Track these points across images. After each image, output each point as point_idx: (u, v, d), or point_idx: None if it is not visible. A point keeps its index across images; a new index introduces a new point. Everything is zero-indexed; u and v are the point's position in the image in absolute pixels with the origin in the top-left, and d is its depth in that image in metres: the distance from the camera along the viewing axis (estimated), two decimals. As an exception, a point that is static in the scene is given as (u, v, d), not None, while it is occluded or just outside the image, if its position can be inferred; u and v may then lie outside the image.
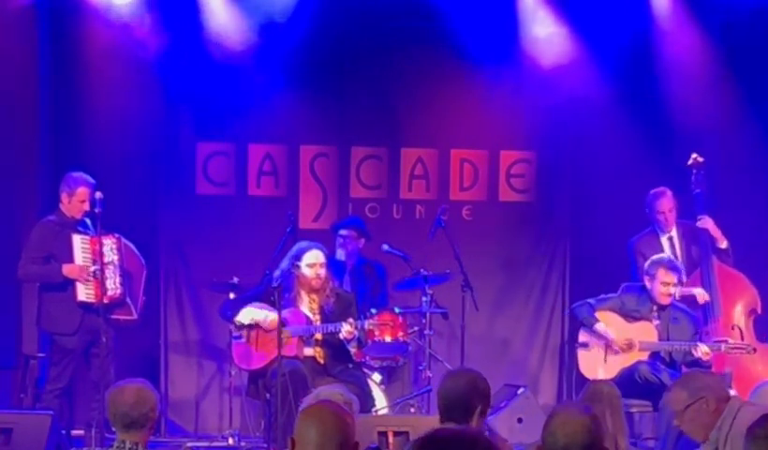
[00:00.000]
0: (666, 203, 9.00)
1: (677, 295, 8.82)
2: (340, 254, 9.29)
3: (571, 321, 9.44)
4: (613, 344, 8.30)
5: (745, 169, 9.90)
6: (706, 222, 8.96)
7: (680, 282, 8.45)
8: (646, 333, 8.31)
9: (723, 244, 9.00)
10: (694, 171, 9.01)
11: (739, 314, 8.93)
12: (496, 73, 9.96)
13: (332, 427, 3.54)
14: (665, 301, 8.31)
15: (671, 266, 8.31)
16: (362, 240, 9.37)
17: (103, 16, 9.44)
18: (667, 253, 8.95)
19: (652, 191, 9.08)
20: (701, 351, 8.13)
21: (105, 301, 8.18)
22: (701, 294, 8.88)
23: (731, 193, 9.62)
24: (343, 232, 9.36)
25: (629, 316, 8.38)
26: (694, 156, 9.02)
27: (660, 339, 8.29)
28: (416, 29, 9.91)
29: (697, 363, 8.18)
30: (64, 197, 8.42)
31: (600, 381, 6.44)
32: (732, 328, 8.68)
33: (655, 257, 8.46)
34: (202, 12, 9.70)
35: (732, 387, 8.39)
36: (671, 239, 9.08)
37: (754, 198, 9.87)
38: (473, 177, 10.35)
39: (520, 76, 9.98)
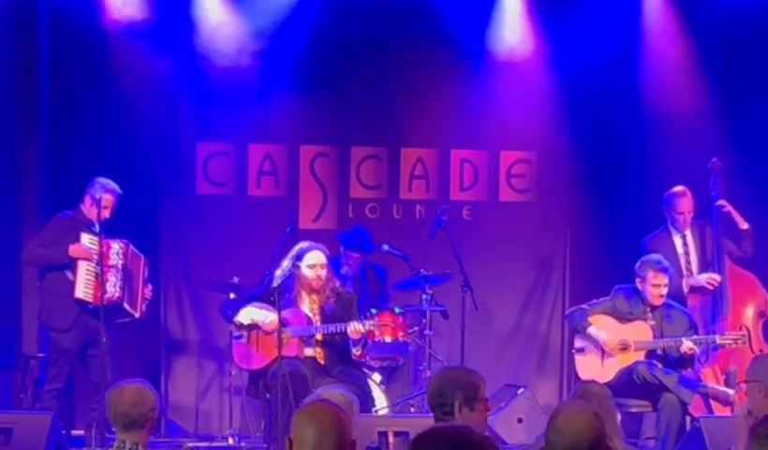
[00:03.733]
0: (687, 205, 8.98)
1: (685, 288, 8.82)
2: (345, 270, 9.22)
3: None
4: (605, 346, 8.29)
5: (754, 170, 9.84)
6: (726, 205, 8.96)
7: (672, 279, 8.43)
8: (641, 333, 8.30)
9: (744, 225, 8.98)
10: (713, 174, 9.01)
11: (749, 315, 8.92)
12: (496, 73, 9.96)
13: (329, 426, 3.53)
14: (657, 302, 8.31)
15: (660, 268, 8.28)
16: (366, 256, 9.33)
17: (103, 17, 9.43)
18: (680, 252, 8.96)
19: (672, 190, 9.03)
20: (686, 346, 8.12)
21: (103, 302, 8.19)
22: (708, 279, 8.87)
23: (744, 197, 9.55)
24: (352, 253, 9.23)
25: (623, 318, 8.37)
26: (714, 160, 9.02)
27: (655, 338, 8.28)
28: (416, 29, 9.91)
29: (684, 359, 8.18)
30: (87, 199, 8.47)
31: (590, 381, 6.38)
32: (740, 328, 8.68)
33: (644, 258, 8.45)
34: (203, 13, 9.69)
35: (736, 386, 8.41)
36: (684, 237, 9.07)
37: (761, 200, 9.80)
38: (473, 177, 10.34)
39: (520, 76, 9.97)
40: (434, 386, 4.81)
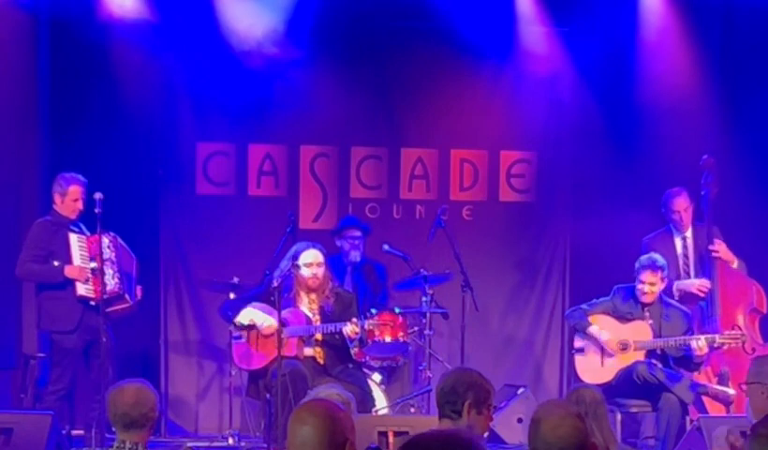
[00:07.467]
0: (682, 203, 8.99)
1: (675, 292, 8.82)
2: (355, 255, 9.28)
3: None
4: (606, 346, 8.29)
5: (750, 168, 9.84)
6: (719, 247, 8.96)
7: (665, 279, 8.43)
8: (641, 332, 8.30)
9: (734, 264, 9.00)
10: (704, 172, 9.01)
11: (741, 314, 8.92)
12: (496, 73, 9.97)
13: (314, 428, 3.51)
14: (643, 299, 8.31)
15: (653, 267, 8.29)
16: (364, 234, 9.44)
17: (103, 17, 9.44)
18: (679, 252, 8.96)
19: (669, 190, 9.06)
20: (698, 345, 8.11)
21: (105, 296, 8.19)
22: (698, 285, 8.87)
23: (737, 193, 9.57)
24: (356, 233, 9.35)
25: (623, 318, 8.38)
26: (705, 157, 9.03)
27: (654, 338, 8.28)
28: (416, 29, 9.92)
29: (687, 359, 8.18)
30: (57, 197, 8.43)
31: (583, 387, 6.32)
32: (733, 328, 8.67)
33: (642, 258, 8.45)
34: (202, 14, 9.69)
35: (730, 386, 8.41)
36: (684, 239, 9.07)
37: (757, 197, 9.81)
38: (473, 177, 10.35)
39: (520, 76, 9.98)
40: (446, 383, 4.79)
